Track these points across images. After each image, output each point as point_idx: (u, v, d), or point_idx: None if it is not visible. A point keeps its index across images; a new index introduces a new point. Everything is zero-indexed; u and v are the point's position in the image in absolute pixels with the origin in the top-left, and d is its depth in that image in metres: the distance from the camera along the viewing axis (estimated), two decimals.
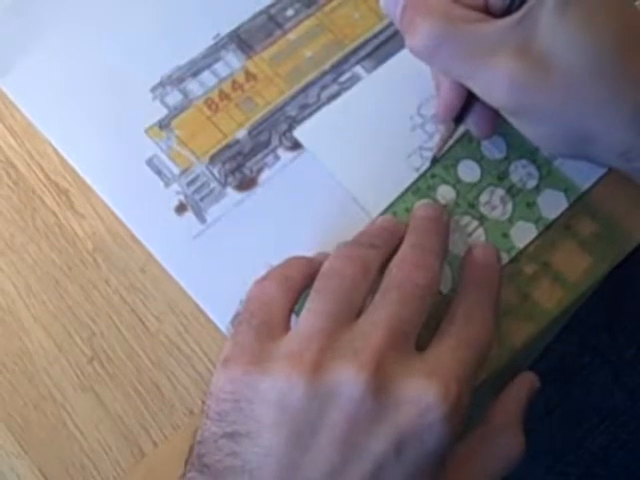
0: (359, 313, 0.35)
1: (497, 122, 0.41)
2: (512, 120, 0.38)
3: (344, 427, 0.32)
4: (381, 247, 0.38)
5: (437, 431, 0.32)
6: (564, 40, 0.34)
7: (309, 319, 0.34)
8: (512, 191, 0.42)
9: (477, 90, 0.37)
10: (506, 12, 0.36)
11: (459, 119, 0.41)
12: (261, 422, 0.32)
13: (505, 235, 0.41)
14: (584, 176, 0.42)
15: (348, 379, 0.32)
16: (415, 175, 0.42)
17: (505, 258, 0.41)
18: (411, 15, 0.37)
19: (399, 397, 0.32)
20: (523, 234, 0.41)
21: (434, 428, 0.32)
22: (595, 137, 0.36)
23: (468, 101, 0.40)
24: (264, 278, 0.37)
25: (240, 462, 0.32)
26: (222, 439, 0.33)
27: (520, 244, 0.41)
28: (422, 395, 0.32)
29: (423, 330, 0.35)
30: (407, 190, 0.42)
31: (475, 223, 0.42)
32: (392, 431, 0.32)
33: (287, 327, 0.35)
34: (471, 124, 0.41)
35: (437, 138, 0.43)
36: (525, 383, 0.39)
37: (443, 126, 0.42)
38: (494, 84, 0.36)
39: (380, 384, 0.32)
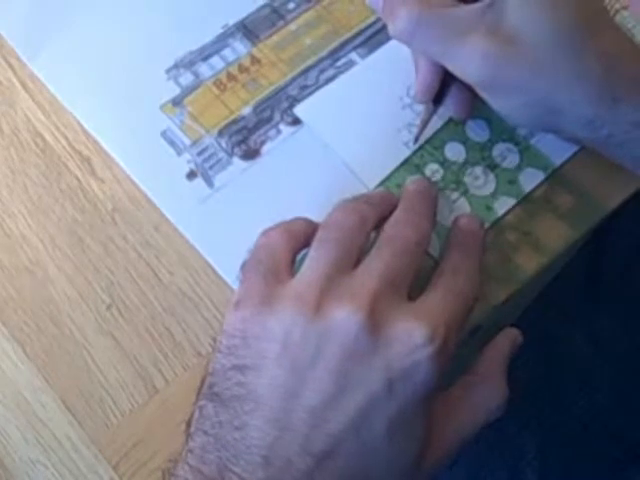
0: (356, 263, 0.38)
1: (473, 104, 0.44)
2: (486, 95, 0.41)
3: (340, 360, 0.35)
4: (376, 206, 0.41)
5: (425, 368, 0.35)
6: (529, 20, 0.38)
7: (312, 265, 0.37)
8: (496, 170, 0.45)
9: (453, 68, 0.40)
10: None
11: (437, 101, 0.44)
12: (266, 356, 0.35)
13: (489, 208, 0.45)
14: (559, 153, 0.46)
15: (345, 318, 0.35)
16: (404, 148, 0.46)
17: (487, 225, 0.44)
18: (391, 4, 0.41)
19: (391, 336, 0.35)
20: (505, 207, 0.45)
21: (422, 365, 0.35)
22: (562, 109, 0.39)
23: (445, 84, 0.43)
24: (270, 229, 0.40)
25: (246, 391, 0.35)
26: (231, 371, 0.35)
27: (500, 212, 0.45)
28: (412, 334, 0.35)
29: (415, 289, 0.38)
30: (398, 167, 0.46)
31: (461, 197, 0.45)
32: (384, 365, 0.35)
33: (291, 273, 0.38)
34: (449, 105, 0.45)
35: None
36: (508, 337, 0.41)
37: (423, 108, 0.46)
38: (468, 60, 0.39)
39: (374, 323, 0.35)
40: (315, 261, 0.38)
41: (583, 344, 0.56)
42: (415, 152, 0.46)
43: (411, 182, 0.44)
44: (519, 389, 0.41)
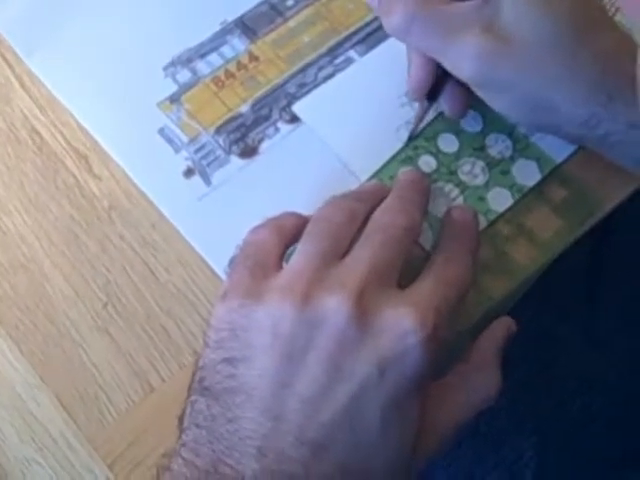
0: (345, 255, 0.38)
1: (468, 102, 0.44)
2: (480, 92, 0.41)
3: (330, 350, 0.34)
4: (367, 202, 0.41)
5: (416, 355, 0.34)
6: (523, 19, 0.38)
7: (299, 258, 0.37)
8: (489, 161, 0.45)
9: (447, 64, 0.40)
10: None
11: (432, 97, 0.44)
12: (255, 347, 0.35)
13: (482, 199, 0.45)
14: (559, 151, 0.46)
15: (334, 307, 0.35)
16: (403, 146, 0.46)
17: (483, 221, 0.44)
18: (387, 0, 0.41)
19: (381, 323, 0.35)
20: (499, 198, 0.45)
21: (413, 352, 0.34)
22: (556, 107, 0.39)
23: (440, 81, 0.43)
24: (259, 226, 0.40)
25: (237, 383, 0.35)
26: (220, 364, 0.35)
27: (498, 208, 0.44)
28: (401, 322, 0.35)
29: (407, 282, 0.38)
30: (392, 159, 0.46)
31: (454, 188, 0.45)
32: (374, 354, 0.34)
33: (279, 268, 0.38)
34: (443, 102, 0.44)
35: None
36: (502, 326, 0.41)
37: (418, 104, 0.46)
38: (462, 57, 0.39)
39: (363, 312, 0.35)
40: (303, 253, 0.38)
41: (582, 344, 0.56)
42: (406, 145, 0.46)
43: (403, 173, 0.44)
44: (516, 389, 0.41)
